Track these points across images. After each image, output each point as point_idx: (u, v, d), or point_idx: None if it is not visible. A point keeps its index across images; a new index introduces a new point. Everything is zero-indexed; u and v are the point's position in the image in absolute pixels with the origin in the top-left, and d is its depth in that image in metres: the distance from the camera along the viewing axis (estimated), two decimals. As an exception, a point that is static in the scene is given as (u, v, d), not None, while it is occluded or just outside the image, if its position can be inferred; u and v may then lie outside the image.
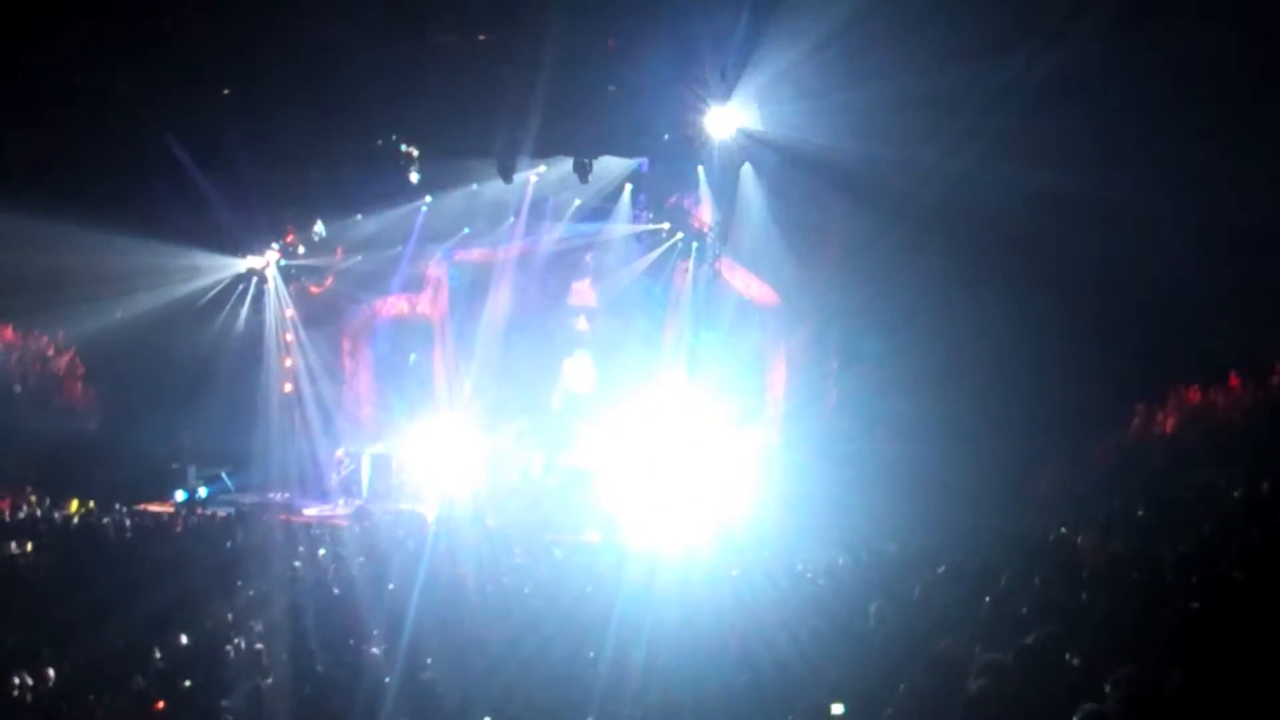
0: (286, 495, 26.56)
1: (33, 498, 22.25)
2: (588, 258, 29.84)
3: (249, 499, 25.83)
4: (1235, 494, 12.31)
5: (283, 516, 24.51)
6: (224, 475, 26.85)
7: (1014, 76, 20.02)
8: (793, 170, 25.07)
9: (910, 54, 20.53)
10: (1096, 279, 21.54)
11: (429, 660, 12.97)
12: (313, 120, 23.91)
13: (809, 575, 16.78)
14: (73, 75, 21.76)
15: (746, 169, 25.80)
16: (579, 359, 30.15)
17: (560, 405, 29.96)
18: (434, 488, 26.63)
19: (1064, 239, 21.57)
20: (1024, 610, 8.77)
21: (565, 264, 29.97)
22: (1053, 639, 6.92)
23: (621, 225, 28.74)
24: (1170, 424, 20.89)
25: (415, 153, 25.23)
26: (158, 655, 13.59)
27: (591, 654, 12.42)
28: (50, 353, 26.60)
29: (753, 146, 24.77)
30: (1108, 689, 5.04)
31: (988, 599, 9.58)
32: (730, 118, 23.94)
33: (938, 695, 6.66)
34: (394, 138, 25.17)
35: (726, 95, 23.37)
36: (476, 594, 16.94)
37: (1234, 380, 20.71)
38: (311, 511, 26.10)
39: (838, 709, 7.17)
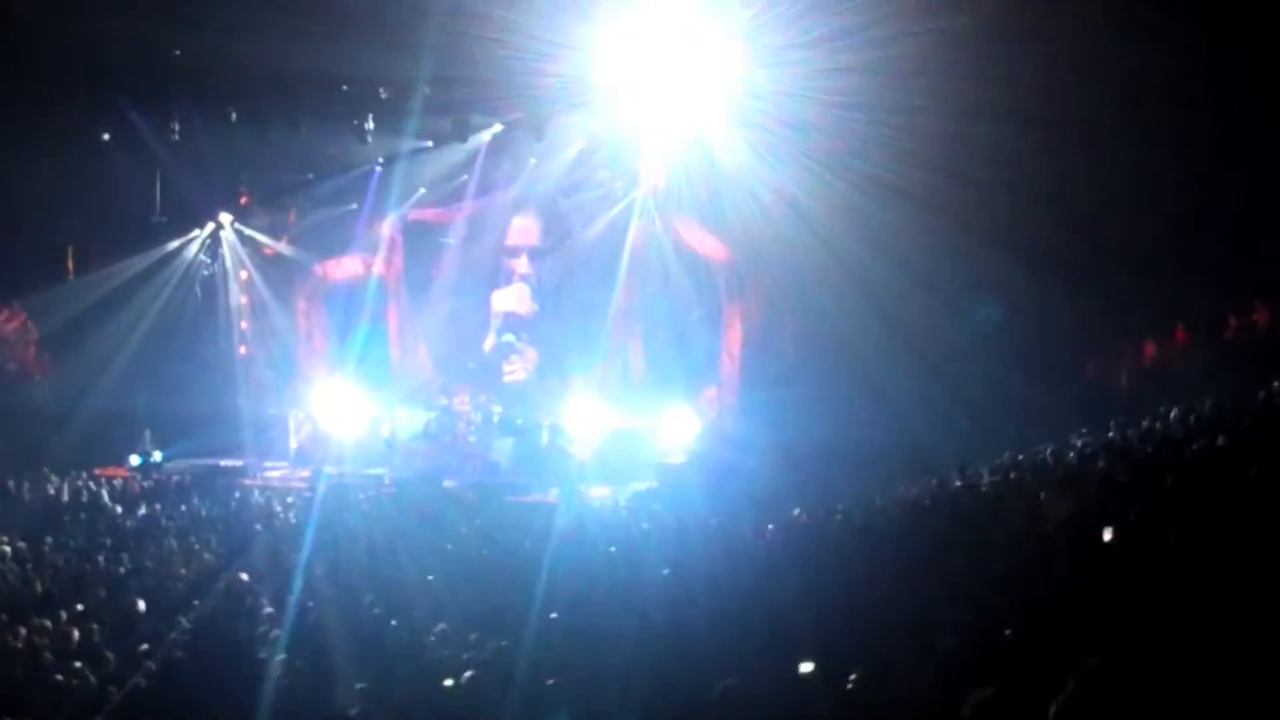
0: (244, 458, 26.49)
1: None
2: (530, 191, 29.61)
3: (205, 462, 25.74)
4: (1194, 446, 12.44)
5: (240, 480, 24.54)
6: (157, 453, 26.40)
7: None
8: (743, 124, 25.13)
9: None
10: (1050, 241, 21.77)
11: (394, 623, 13.00)
12: (266, 80, 23.77)
13: (772, 536, 16.94)
14: (22, 39, 21.51)
15: (700, 124, 25.74)
16: (514, 288, 29.83)
17: (494, 344, 29.82)
18: (389, 449, 26.71)
19: (1014, 191, 21.81)
20: (992, 566, 8.90)
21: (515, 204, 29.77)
22: (1024, 598, 7.05)
23: (559, 176, 28.75)
24: (1125, 378, 21.20)
25: (369, 113, 25.11)
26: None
27: (554, 615, 12.46)
28: (2, 318, 26.32)
29: (704, 101, 24.80)
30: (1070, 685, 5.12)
31: (952, 557, 9.71)
32: (682, 72, 23.94)
33: (907, 654, 6.78)
34: (348, 96, 25.05)
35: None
36: (435, 556, 17.01)
37: (1180, 334, 21.06)
38: (271, 474, 26.07)
39: (807, 667, 7.23)
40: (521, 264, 29.65)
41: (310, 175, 28.70)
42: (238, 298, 29.46)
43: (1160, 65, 19.49)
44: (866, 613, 8.56)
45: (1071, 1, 20.42)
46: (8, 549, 16.53)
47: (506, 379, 29.36)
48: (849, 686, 6.74)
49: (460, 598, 13.89)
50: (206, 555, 17.37)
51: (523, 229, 29.64)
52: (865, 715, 6.71)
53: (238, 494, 22.81)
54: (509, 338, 29.50)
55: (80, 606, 13.76)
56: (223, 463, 26.00)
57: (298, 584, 14.73)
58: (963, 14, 20.01)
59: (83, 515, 19.95)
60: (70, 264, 27.14)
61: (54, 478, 22.12)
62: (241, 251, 29.27)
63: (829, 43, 21.01)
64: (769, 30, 21.83)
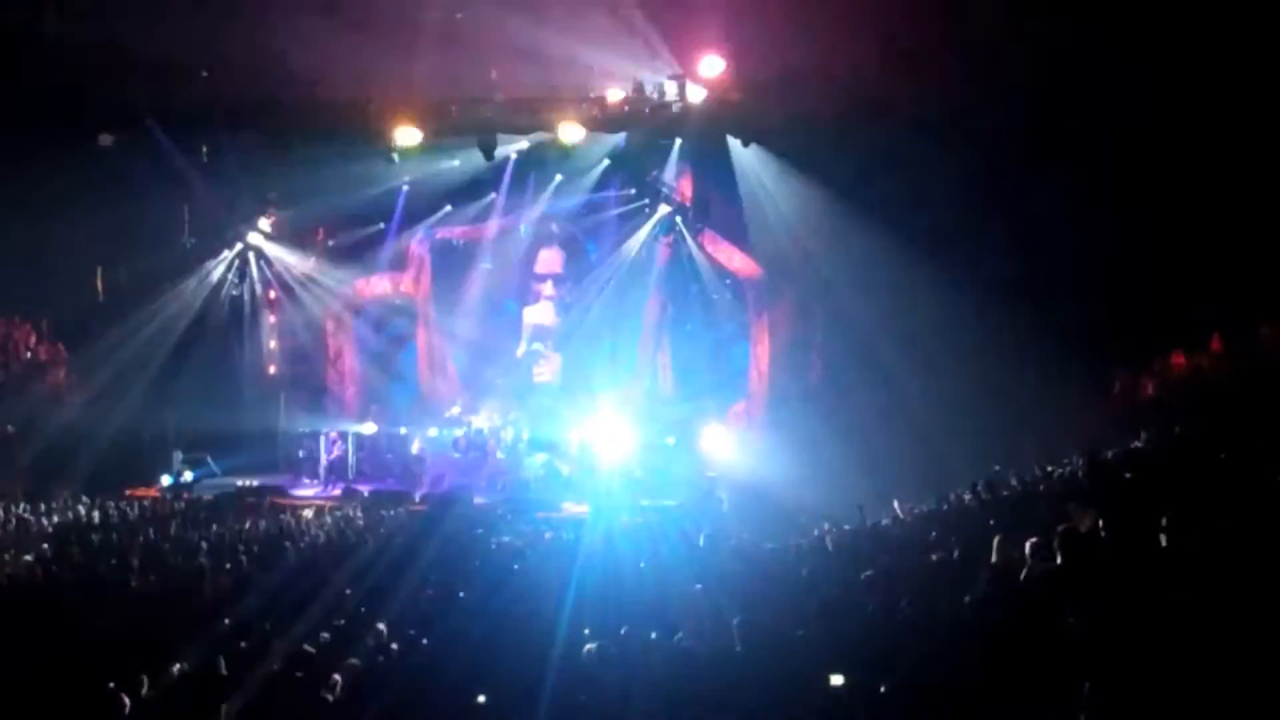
0: (275, 478, 26.56)
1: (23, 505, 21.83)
2: (554, 225, 29.89)
3: (237, 482, 25.82)
4: (1222, 456, 12.32)
5: (272, 499, 24.56)
6: (209, 459, 26.67)
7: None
8: (771, 140, 25.17)
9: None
10: (1076, 251, 21.67)
11: (424, 641, 12.98)
12: (294, 100, 23.93)
13: (799, 548, 16.87)
14: (52, 61, 21.73)
15: (728, 140, 25.77)
16: (541, 305, 30.47)
17: (525, 351, 30.17)
18: (421, 466, 26.76)
19: (1040, 202, 21.74)
20: (1021, 575, 8.83)
21: (540, 237, 30.19)
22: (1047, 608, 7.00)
23: (585, 195, 28.82)
24: (1153, 389, 20.98)
25: (396, 132, 25.20)
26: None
27: (586, 630, 12.42)
28: (33, 340, 26.49)
29: (729, 116, 24.84)
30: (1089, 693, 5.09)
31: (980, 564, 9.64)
32: (707, 89, 24.03)
33: (934, 665, 6.74)
34: (374, 115, 25.16)
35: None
36: (464, 573, 16.98)
37: (1216, 343, 20.83)
38: (302, 493, 26.11)
39: (837, 680, 7.17)
40: (548, 287, 30.28)
41: (337, 195, 28.77)
42: (266, 318, 29.60)
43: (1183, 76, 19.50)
44: (894, 624, 8.51)
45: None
46: (38, 570, 16.57)
47: (536, 379, 29.89)
48: (878, 699, 6.71)
49: (489, 614, 13.87)
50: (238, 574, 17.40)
51: (548, 259, 30.39)
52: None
53: (269, 512, 22.84)
54: (537, 346, 30.06)
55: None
56: (255, 482, 26.04)
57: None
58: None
59: (114, 536, 19.97)
60: (100, 285, 27.32)
61: (84, 498, 22.22)
62: (270, 272, 29.40)
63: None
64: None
